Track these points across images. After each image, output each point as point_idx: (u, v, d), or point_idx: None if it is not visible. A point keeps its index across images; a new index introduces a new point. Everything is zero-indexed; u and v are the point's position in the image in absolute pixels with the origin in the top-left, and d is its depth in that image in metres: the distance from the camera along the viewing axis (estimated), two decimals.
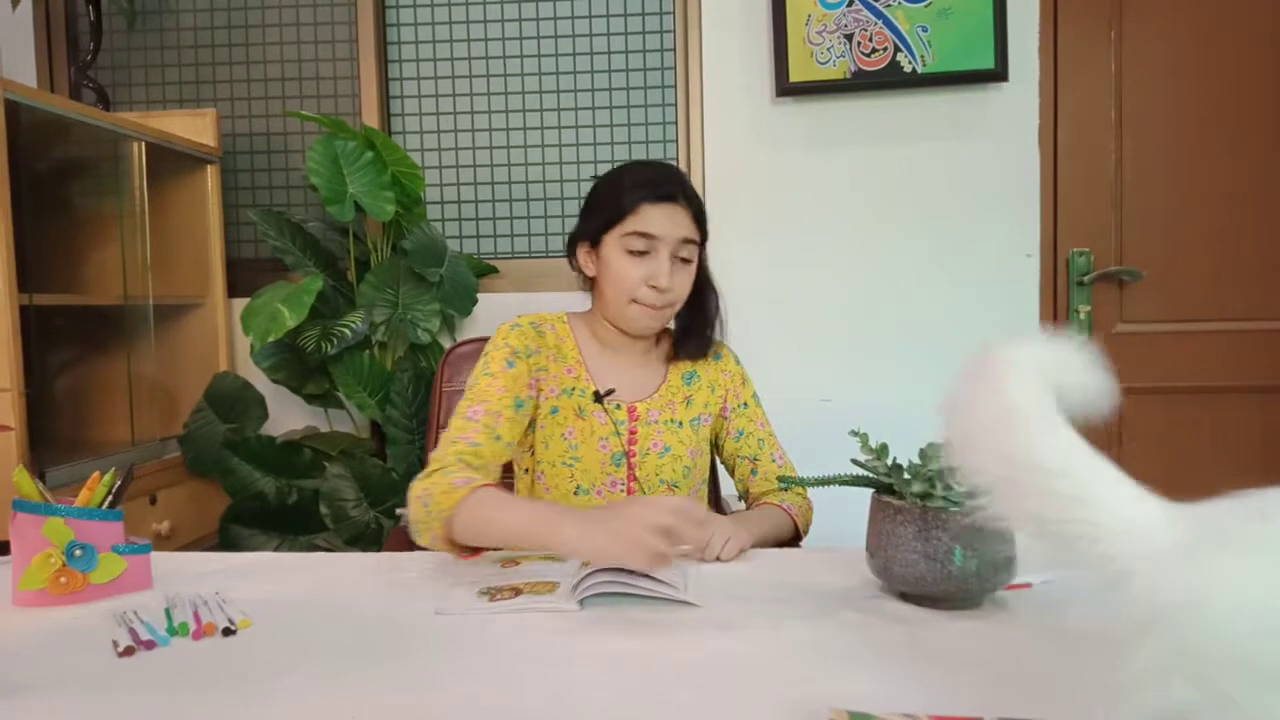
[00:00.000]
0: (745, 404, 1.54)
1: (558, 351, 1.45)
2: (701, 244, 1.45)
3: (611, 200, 1.41)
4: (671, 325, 1.52)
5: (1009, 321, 2.44)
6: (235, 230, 2.66)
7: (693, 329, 1.50)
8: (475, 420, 1.32)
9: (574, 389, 1.43)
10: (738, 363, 1.56)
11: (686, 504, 1.06)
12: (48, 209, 2.24)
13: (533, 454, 1.46)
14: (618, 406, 1.44)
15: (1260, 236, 2.40)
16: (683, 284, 1.42)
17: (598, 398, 1.42)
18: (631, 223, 1.38)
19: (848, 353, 2.48)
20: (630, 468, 1.43)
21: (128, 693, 0.85)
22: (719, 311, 1.52)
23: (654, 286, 1.38)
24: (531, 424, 1.44)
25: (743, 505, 1.57)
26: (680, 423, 1.47)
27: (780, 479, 1.34)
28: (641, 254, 1.38)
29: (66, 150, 2.28)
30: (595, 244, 1.43)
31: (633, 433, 1.44)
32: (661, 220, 1.37)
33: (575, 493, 1.43)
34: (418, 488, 1.21)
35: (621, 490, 1.44)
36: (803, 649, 0.93)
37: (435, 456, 1.27)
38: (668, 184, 1.39)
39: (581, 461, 1.42)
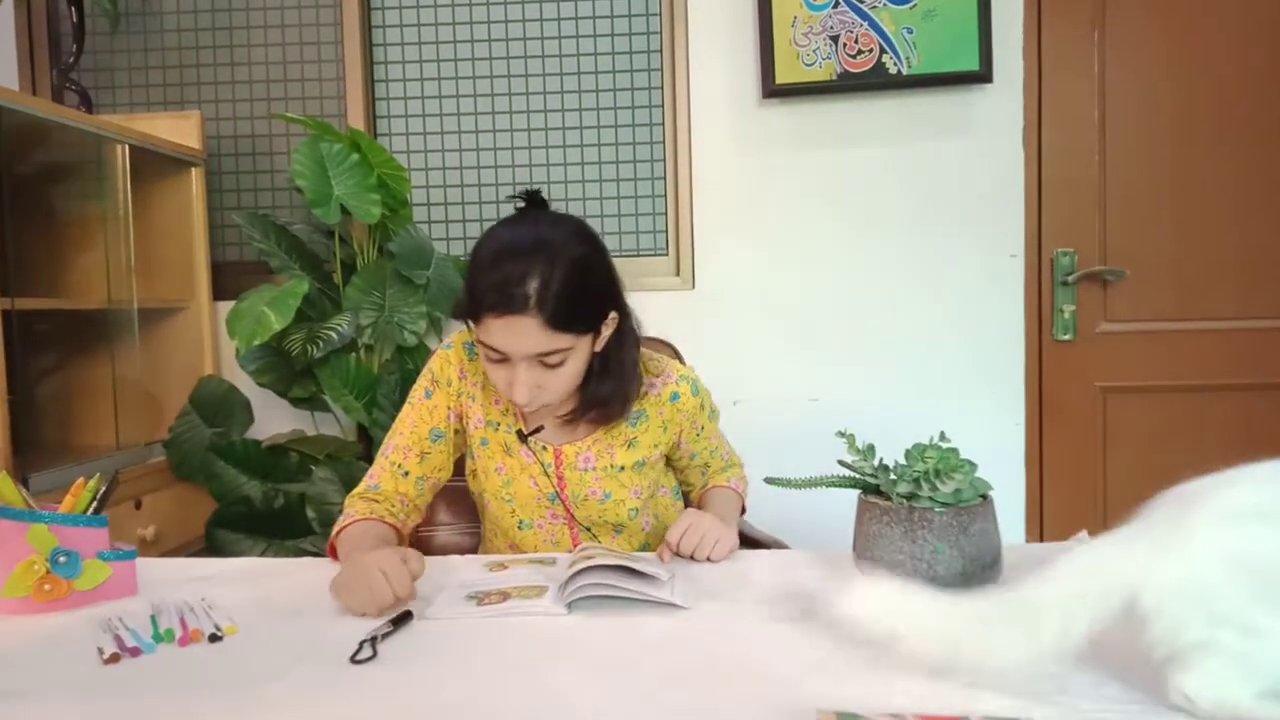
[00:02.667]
0: (702, 428, 1.45)
1: (489, 379, 1.32)
2: (587, 332, 1.23)
3: (465, 294, 1.23)
4: None
5: (994, 321, 2.45)
6: (220, 233, 2.64)
7: (596, 395, 1.32)
8: (386, 458, 1.38)
9: (499, 424, 1.37)
10: (695, 394, 1.41)
11: (402, 556, 1.08)
12: (30, 213, 2.23)
13: (476, 479, 1.44)
14: (544, 448, 1.36)
15: (1243, 236, 2.42)
16: (555, 385, 1.24)
17: (521, 437, 1.33)
18: (480, 331, 1.21)
19: (834, 353, 2.49)
20: (567, 509, 1.37)
21: (113, 700, 0.85)
22: (635, 370, 1.34)
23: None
24: (468, 449, 1.43)
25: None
26: (621, 467, 1.37)
27: (768, 480, 1.35)
28: (500, 360, 1.22)
29: (49, 153, 2.26)
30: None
31: (560, 477, 1.36)
32: (505, 337, 1.18)
33: (519, 526, 1.40)
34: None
35: (563, 524, 1.39)
36: (789, 649, 0.93)
37: (349, 497, 1.37)
38: (508, 289, 1.15)
39: (517, 498, 1.38)
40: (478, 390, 1.38)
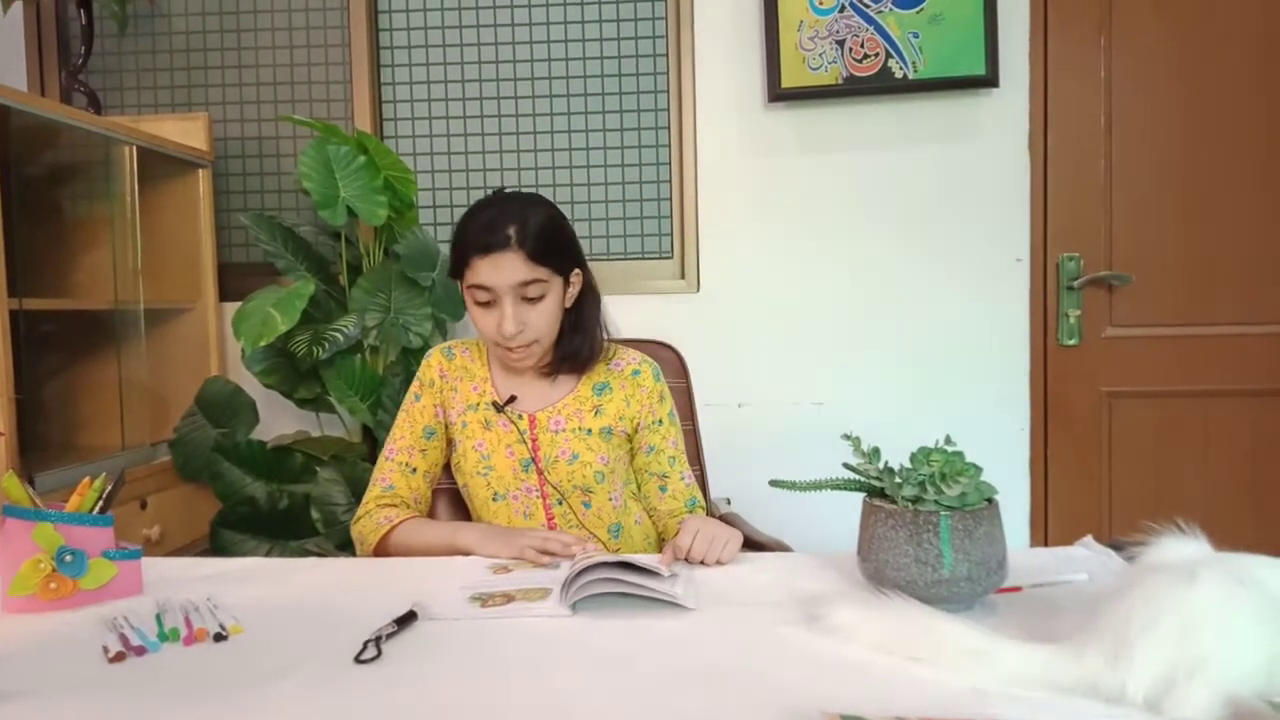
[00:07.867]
0: (660, 420, 1.53)
1: (465, 371, 1.53)
2: (560, 272, 1.42)
3: (453, 251, 1.43)
4: None
5: (999, 326, 2.45)
6: (227, 234, 2.65)
7: (569, 348, 1.48)
8: (391, 460, 1.51)
9: (478, 403, 1.50)
10: (657, 379, 1.54)
11: (557, 534, 1.30)
12: (38, 213, 2.23)
13: (460, 470, 1.52)
14: (520, 416, 1.48)
15: (1250, 240, 2.42)
16: (538, 321, 1.41)
17: (498, 407, 1.47)
18: (469, 276, 1.39)
19: (839, 356, 2.49)
20: (539, 474, 1.46)
21: (118, 699, 0.85)
22: (597, 323, 1.51)
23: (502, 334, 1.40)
24: (451, 444, 1.53)
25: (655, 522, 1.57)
26: (590, 430, 1.48)
27: (772, 482, 1.34)
28: (487, 304, 1.39)
29: (57, 154, 2.27)
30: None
31: (534, 440, 1.47)
32: (492, 272, 1.36)
33: (494, 499, 1.48)
34: (354, 531, 1.48)
35: (536, 495, 1.46)
36: (793, 652, 0.93)
37: (365, 499, 1.50)
38: (493, 232, 1.36)
39: (495, 470, 1.47)
40: (458, 383, 1.52)
